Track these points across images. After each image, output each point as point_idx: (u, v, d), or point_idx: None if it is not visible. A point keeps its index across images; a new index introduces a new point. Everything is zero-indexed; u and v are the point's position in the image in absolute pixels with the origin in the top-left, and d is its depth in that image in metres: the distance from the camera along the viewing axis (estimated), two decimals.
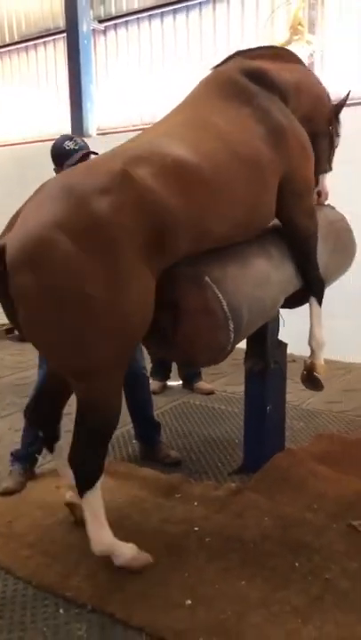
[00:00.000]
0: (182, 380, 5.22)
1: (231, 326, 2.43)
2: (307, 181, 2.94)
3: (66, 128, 8.13)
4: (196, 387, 5.12)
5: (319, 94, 3.17)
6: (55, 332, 2.22)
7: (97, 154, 3.13)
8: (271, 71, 2.83)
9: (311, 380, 3.23)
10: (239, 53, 2.99)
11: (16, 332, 8.05)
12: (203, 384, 5.13)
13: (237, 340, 2.54)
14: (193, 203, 2.34)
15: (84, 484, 2.43)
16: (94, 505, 2.46)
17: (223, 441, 4.08)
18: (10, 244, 2.20)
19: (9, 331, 7.58)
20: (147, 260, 2.25)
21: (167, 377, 5.22)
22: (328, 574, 2.53)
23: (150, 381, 5.13)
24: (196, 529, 2.90)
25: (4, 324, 7.61)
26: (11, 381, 5.68)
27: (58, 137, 3.47)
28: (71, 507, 2.89)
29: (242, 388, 5.04)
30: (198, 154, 2.40)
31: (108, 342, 2.25)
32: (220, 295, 2.41)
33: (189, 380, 5.16)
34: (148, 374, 5.16)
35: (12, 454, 3.51)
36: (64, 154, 3.29)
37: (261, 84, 2.75)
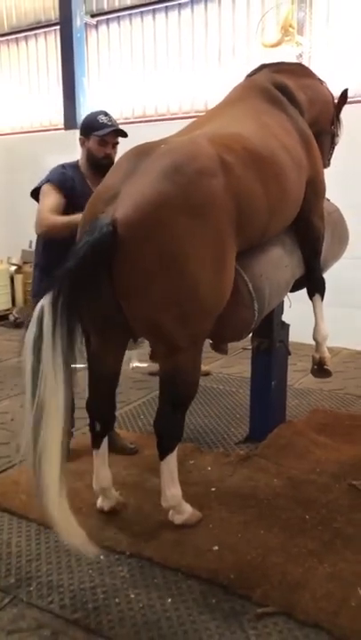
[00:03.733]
0: None
1: (256, 306, 2.74)
2: (324, 187, 3.29)
3: (58, 119, 8.33)
4: None
5: (326, 100, 3.48)
6: (165, 306, 2.39)
7: (126, 135, 3.29)
8: (293, 88, 3.15)
9: (322, 371, 3.53)
10: (265, 66, 3.28)
11: (10, 319, 8.24)
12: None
13: (260, 318, 2.85)
14: (269, 194, 2.63)
15: (167, 447, 2.72)
16: (172, 466, 2.76)
17: (225, 416, 4.39)
18: (124, 219, 2.29)
19: (2, 317, 7.77)
20: (235, 242, 2.53)
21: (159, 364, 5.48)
22: (336, 524, 2.86)
23: (149, 363, 5.43)
24: (213, 489, 3.20)
25: None
26: (12, 364, 5.87)
27: (91, 112, 3.49)
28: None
29: (236, 370, 5.44)
30: (268, 149, 2.69)
31: (208, 317, 2.52)
32: (246, 278, 2.70)
33: None
34: (147, 357, 5.44)
35: None
36: (96, 126, 3.29)
37: (287, 96, 3.06)
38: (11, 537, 2.82)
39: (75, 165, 3.39)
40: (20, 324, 7.46)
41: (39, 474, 2.21)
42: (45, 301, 2.23)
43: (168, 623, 2.24)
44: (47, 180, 3.29)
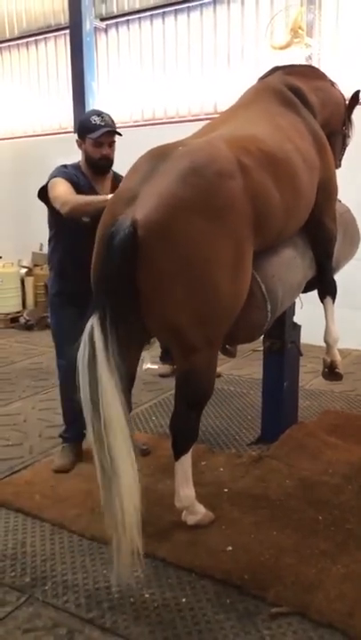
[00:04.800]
0: None
1: (268, 307, 2.75)
2: (336, 189, 3.31)
3: (67, 122, 8.38)
4: None
5: (338, 102, 3.50)
6: (183, 307, 2.43)
7: (120, 134, 3.28)
8: (305, 90, 3.16)
9: (333, 374, 3.54)
10: (278, 68, 3.30)
11: (21, 321, 8.31)
12: None
13: (273, 320, 2.86)
14: (285, 197, 2.66)
15: (182, 448, 2.74)
16: (186, 467, 2.78)
17: (237, 417, 4.40)
18: (143, 220, 2.34)
19: (13, 320, 7.81)
20: (252, 243, 2.56)
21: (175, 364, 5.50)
22: (348, 525, 2.87)
23: (160, 365, 5.45)
24: (225, 490, 3.22)
25: (8, 314, 7.85)
26: (24, 366, 5.93)
27: (86, 112, 3.49)
28: None
29: (246, 371, 5.44)
30: (282, 151, 2.72)
31: (226, 319, 2.55)
32: (259, 279, 2.72)
33: None
34: (158, 359, 5.46)
35: (60, 436, 3.71)
36: (89, 127, 3.26)
37: (300, 99, 3.08)
38: (25, 537, 2.85)
39: (77, 166, 3.41)
40: (30, 327, 7.51)
41: (114, 484, 2.30)
42: (94, 321, 2.32)
43: (183, 623, 2.26)
44: (52, 177, 3.30)
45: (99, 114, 3.32)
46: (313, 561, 2.59)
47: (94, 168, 3.33)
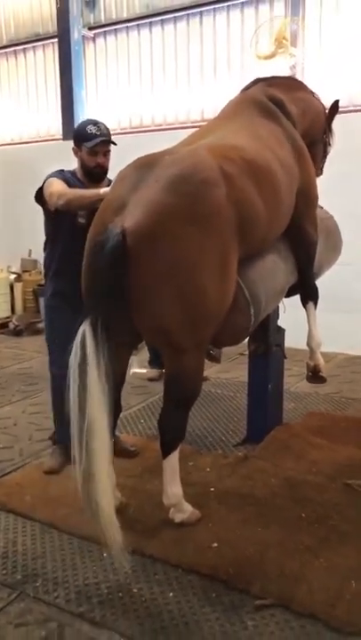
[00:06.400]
0: None
1: (252, 311, 2.85)
2: (316, 195, 3.42)
3: (55, 130, 8.47)
4: None
5: (318, 111, 3.61)
6: (172, 311, 2.53)
7: (115, 144, 3.37)
8: (286, 101, 3.28)
9: (316, 378, 3.64)
10: (260, 80, 3.40)
11: (10, 327, 8.33)
12: None
13: (256, 323, 2.95)
14: (267, 204, 2.76)
15: (170, 446, 2.84)
16: (174, 465, 2.87)
17: (223, 419, 4.49)
18: (132, 228, 2.44)
19: (2, 325, 7.86)
20: (237, 250, 2.66)
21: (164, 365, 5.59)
22: (331, 521, 2.95)
23: (148, 369, 5.53)
24: (212, 489, 3.30)
25: None
26: (14, 371, 5.98)
27: (81, 121, 3.54)
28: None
29: (233, 375, 5.54)
30: (263, 159, 2.82)
31: (212, 322, 2.65)
32: (242, 284, 2.81)
33: None
34: (146, 363, 5.53)
35: (50, 438, 3.78)
36: (85, 136, 3.33)
37: (281, 109, 3.19)
38: (16, 536, 2.91)
39: (73, 172, 3.49)
40: (19, 332, 7.56)
41: (91, 482, 2.44)
42: (86, 327, 2.42)
43: (170, 615, 2.33)
44: (48, 178, 3.36)
45: (95, 123, 3.39)
46: (297, 555, 2.67)
47: (89, 176, 3.40)
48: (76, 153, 3.44)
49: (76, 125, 3.58)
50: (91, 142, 3.32)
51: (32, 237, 8.06)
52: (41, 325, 7.65)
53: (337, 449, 3.78)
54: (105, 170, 3.43)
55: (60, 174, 3.39)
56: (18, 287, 8.23)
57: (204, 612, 2.35)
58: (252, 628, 2.25)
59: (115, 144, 3.41)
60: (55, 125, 8.50)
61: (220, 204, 2.55)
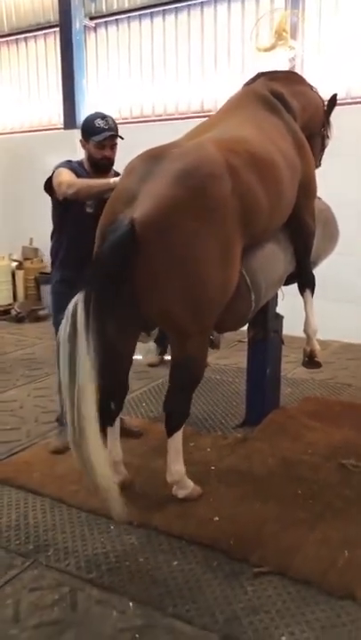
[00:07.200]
0: None
1: (253, 297, 3.00)
2: (315, 187, 3.55)
3: (57, 119, 8.55)
4: None
5: (317, 105, 3.74)
6: (178, 299, 2.67)
7: (122, 138, 3.48)
8: (287, 95, 3.40)
9: (312, 363, 3.78)
10: (262, 74, 3.52)
11: (12, 313, 8.46)
12: None
13: (256, 309, 3.10)
14: (270, 196, 2.89)
15: (175, 425, 2.99)
16: (177, 443, 3.03)
17: (223, 404, 4.64)
18: (141, 219, 2.55)
19: (4, 312, 7.98)
20: (241, 240, 2.79)
21: (165, 351, 5.73)
22: (326, 498, 3.12)
23: (149, 356, 5.67)
24: (212, 468, 3.46)
25: None
26: (17, 356, 6.11)
27: (91, 113, 3.60)
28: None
29: (232, 361, 5.69)
30: (266, 152, 2.95)
31: (216, 309, 2.79)
32: (244, 272, 2.95)
33: None
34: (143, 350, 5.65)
35: (56, 420, 3.93)
36: (93, 130, 3.42)
37: (282, 103, 3.32)
38: (27, 510, 3.06)
39: (80, 163, 3.60)
40: (21, 319, 7.69)
41: (83, 443, 2.52)
42: (78, 299, 2.50)
43: (174, 582, 2.49)
44: (57, 168, 3.46)
45: (103, 117, 3.48)
46: (293, 528, 2.84)
47: (96, 167, 3.52)
48: (83, 145, 3.55)
49: (83, 118, 3.66)
50: (99, 136, 3.42)
51: (33, 226, 8.23)
52: (42, 312, 7.79)
53: (331, 431, 3.94)
54: (111, 162, 3.54)
55: (68, 164, 3.50)
56: (19, 275, 8.35)
57: (206, 578, 2.51)
58: (252, 593, 2.41)
59: (122, 138, 3.52)
60: (56, 115, 8.58)
61: (225, 197, 2.68)
